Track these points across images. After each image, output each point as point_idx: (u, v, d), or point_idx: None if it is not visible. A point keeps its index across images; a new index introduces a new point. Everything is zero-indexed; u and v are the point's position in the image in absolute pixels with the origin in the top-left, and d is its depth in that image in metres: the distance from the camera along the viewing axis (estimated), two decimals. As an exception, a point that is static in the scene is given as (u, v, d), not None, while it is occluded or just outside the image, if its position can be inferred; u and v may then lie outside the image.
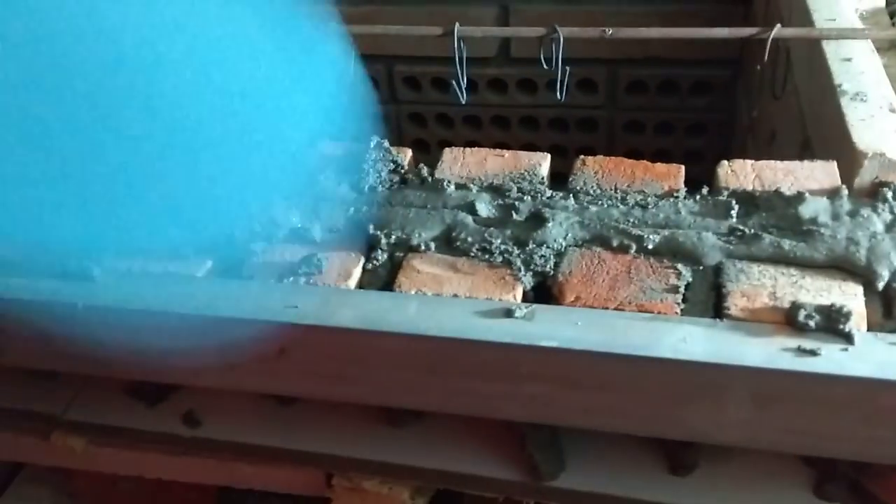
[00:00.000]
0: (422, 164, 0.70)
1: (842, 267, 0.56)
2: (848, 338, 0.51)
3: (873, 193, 0.61)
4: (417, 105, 1.65)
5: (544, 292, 0.59)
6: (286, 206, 0.64)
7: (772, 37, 0.79)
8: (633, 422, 0.56)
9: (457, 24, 0.87)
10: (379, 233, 0.62)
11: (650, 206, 0.63)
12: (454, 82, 0.89)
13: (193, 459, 0.75)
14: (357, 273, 0.61)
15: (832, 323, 0.51)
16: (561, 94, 0.87)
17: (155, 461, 0.76)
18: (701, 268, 0.58)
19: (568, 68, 0.86)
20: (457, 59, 0.87)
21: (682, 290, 0.57)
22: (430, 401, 0.60)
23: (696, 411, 0.54)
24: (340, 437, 0.70)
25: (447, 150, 0.71)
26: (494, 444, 0.68)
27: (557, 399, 0.56)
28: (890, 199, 0.60)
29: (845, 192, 0.61)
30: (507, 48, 1.52)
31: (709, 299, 0.56)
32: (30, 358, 0.68)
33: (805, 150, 0.82)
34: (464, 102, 0.91)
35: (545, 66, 0.89)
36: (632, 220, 0.62)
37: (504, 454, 0.67)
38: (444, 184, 0.67)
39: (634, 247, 0.60)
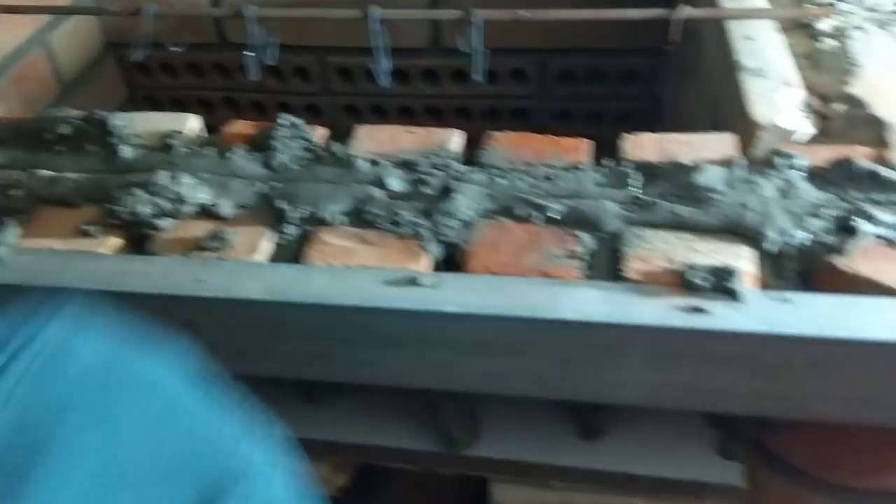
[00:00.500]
0: (335, 142, 0.70)
1: (733, 230, 0.58)
2: (736, 296, 0.53)
3: (767, 162, 0.64)
4: (351, 97, 1.64)
5: (451, 261, 0.60)
6: (194, 182, 0.64)
7: (678, 17, 0.82)
8: (537, 385, 0.57)
9: (373, 7, 0.87)
10: (289, 207, 0.63)
11: (556, 178, 0.64)
12: (373, 66, 0.89)
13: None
14: (266, 247, 0.61)
15: (721, 282, 0.53)
16: (483, 76, 0.88)
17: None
18: (602, 235, 0.60)
19: (487, 50, 0.87)
20: (375, 42, 0.88)
21: (582, 256, 0.58)
22: (340, 371, 0.60)
23: (596, 371, 0.55)
24: (258, 415, 0.70)
25: (360, 127, 0.72)
26: (411, 416, 0.68)
27: (464, 365, 0.57)
28: (781, 166, 0.62)
29: (740, 160, 0.63)
30: (438, 39, 1.53)
31: (608, 264, 0.58)
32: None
33: (715, 129, 0.85)
34: (385, 86, 0.92)
35: (464, 50, 0.90)
36: (538, 191, 0.63)
37: (420, 426, 0.68)
38: (356, 160, 0.67)
39: (539, 216, 0.61)
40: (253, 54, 0.91)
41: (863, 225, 0.56)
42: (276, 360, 0.60)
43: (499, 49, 1.54)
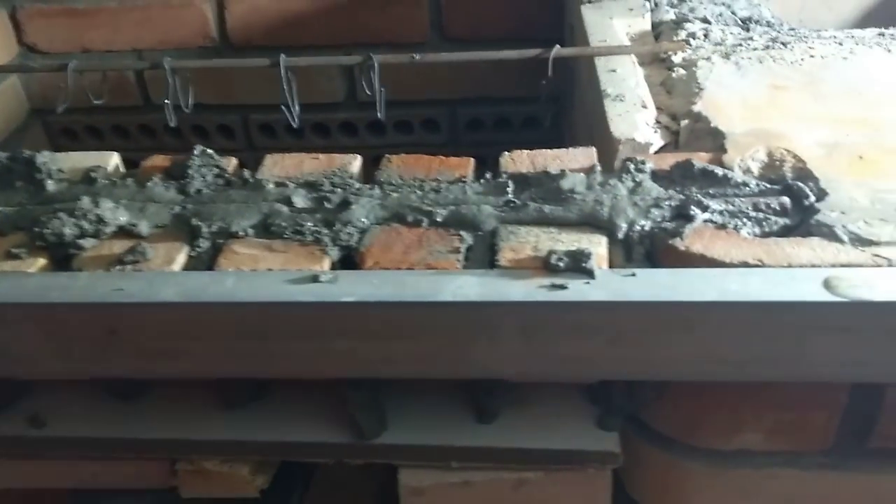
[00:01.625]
0: (245, 169, 0.78)
1: (590, 223, 0.68)
2: (590, 273, 0.61)
3: (622, 168, 0.74)
4: (273, 150, 1.73)
5: (350, 263, 0.68)
6: (114, 207, 0.71)
7: (550, 55, 0.93)
8: (429, 366, 0.65)
9: (282, 56, 0.96)
10: (202, 224, 0.70)
11: (442, 190, 0.73)
12: (283, 107, 0.98)
13: (40, 463, 0.78)
14: (181, 259, 0.68)
15: (577, 263, 0.62)
16: (381, 113, 0.98)
17: (2, 469, 0.79)
18: (480, 233, 0.68)
19: (384, 89, 0.97)
20: (285, 86, 0.97)
21: (463, 251, 0.66)
22: (253, 367, 0.67)
23: (476, 348, 0.63)
24: (180, 424, 0.76)
25: (268, 155, 0.80)
26: (322, 412, 0.75)
27: (363, 351, 0.64)
28: (632, 170, 0.72)
29: (598, 167, 0.73)
30: (354, 93, 1.63)
31: (486, 257, 0.66)
32: None
33: (592, 152, 0.95)
34: (295, 126, 1.01)
35: (367, 92, 1.00)
36: (426, 201, 0.72)
37: (332, 420, 0.74)
38: (264, 182, 0.75)
39: (426, 221, 0.70)
40: (168, 102, 0.99)
41: (696, 212, 0.66)
42: (194, 361, 0.66)
43: (412, 101, 1.66)
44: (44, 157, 0.76)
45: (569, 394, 0.75)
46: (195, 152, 0.76)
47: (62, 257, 0.69)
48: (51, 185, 0.75)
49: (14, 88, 1.64)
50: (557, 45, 0.94)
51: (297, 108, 1.00)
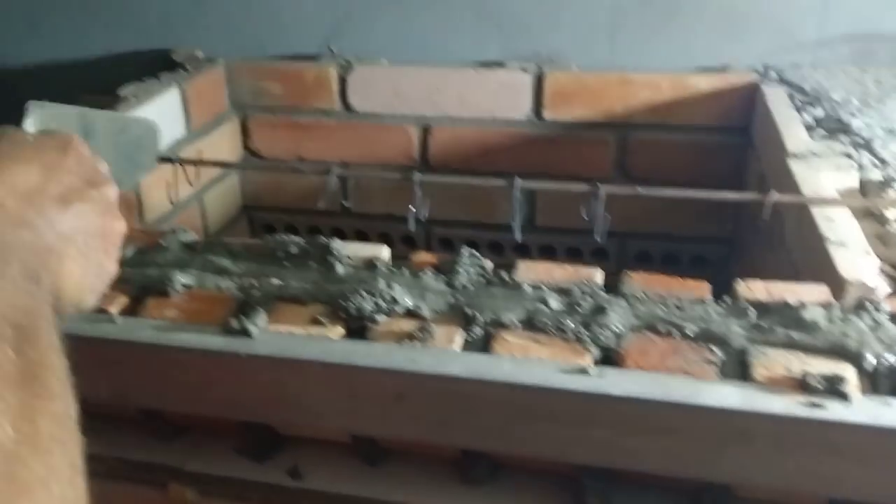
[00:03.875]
0: (502, 271, 0.88)
1: (838, 352, 0.73)
2: (846, 398, 0.67)
3: (858, 307, 0.80)
4: (450, 264, 1.86)
5: (607, 362, 0.75)
6: (402, 290, 0.82)
7: (769, 200, 1.01)
8: (678, 465, 0.71)
9: (516, 178, 1.09)
10: (475, 312, 0.80)
11: (685, 308, 0.81)
12: (512, 223, 1.09)
13: (290, 513, 0.87)
14: (460, 340, 0.77)
15: (834, 386, 0.68)
16: (602, 238, 1.07)
17: (255, 514, 0.88)
18: (730, 349, 0.75)
19: (608, 215, 1.07)
20: (515, 204, 1.09)
21: (717, 363, 0.73)
22: (515, 445, 0.74)
23: (727, 454, 0.69)
24: (420, 492, 0.83)
25: (521, 261, 0.90)
26: (555, 497, 0.81)
27: (619, 443, 0.71)
28: (871, 309, 0.78)
29: (836, 303, 0.80)
30: (533, 217, 1.76)
31: (737, 371, 0.73)
32: (188, 403, 0.82)
33: (799, 293, 1.01)
34: (519, 241, 1.12)
35: (585, 218, 1.10)
36: (673, 315, 0.80)
37: (564, 507, 0.80)
38: (522, 284, 0.85)
39: (677, 333, 0.77)
40: (412, 208, 1.12)
41: (942, 353, 0.71)
42: (467, 432, 0.75)
43: (583, 230, 1.77)
44: (336, 245, 0.89)
45: (794, 514, 0.79)
46: (464, 253, 0.87)
47: (357, 328, 0.80)
48: (340, 268, 0.88)
49: (233, 187, 1.86)
50: (773, 191, 1.02)
51: (519, 222, 1.12)
